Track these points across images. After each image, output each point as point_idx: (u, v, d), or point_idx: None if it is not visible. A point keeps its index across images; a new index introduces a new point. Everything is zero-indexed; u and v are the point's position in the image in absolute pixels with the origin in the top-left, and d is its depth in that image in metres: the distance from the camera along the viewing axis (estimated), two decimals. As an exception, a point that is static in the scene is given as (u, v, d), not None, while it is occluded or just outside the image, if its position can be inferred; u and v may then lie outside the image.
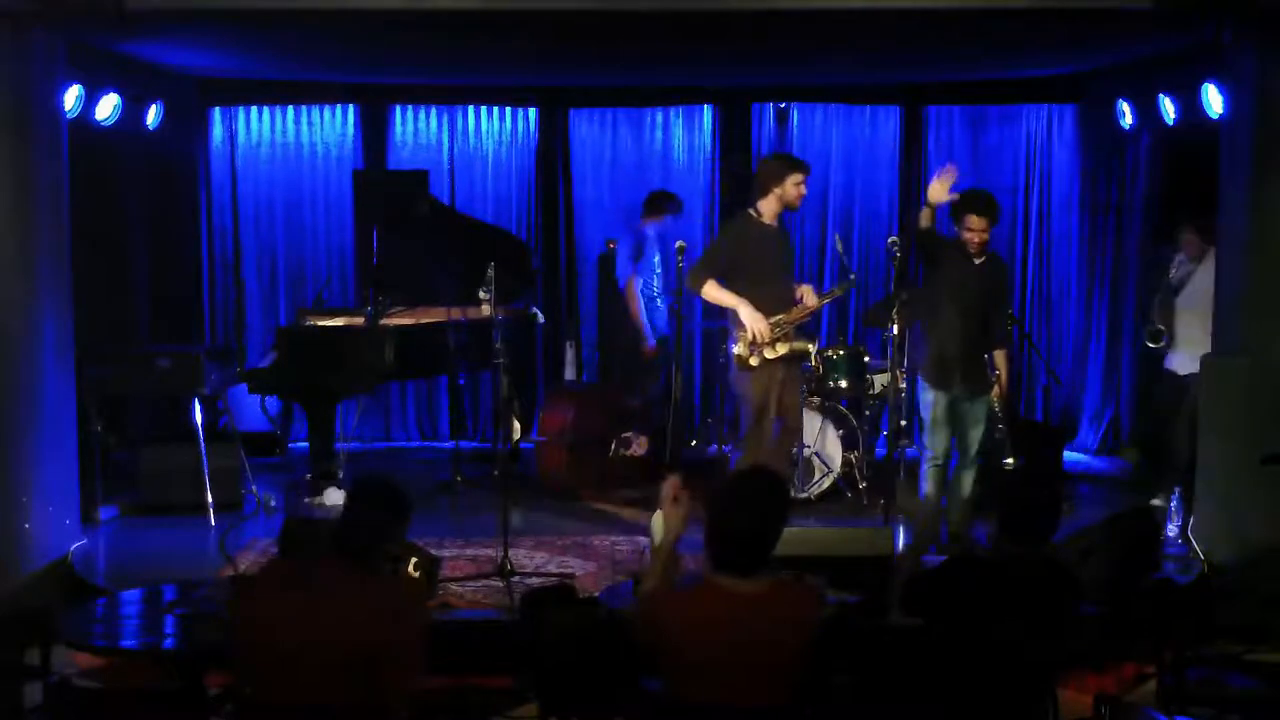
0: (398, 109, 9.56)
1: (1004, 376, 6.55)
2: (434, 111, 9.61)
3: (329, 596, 3.47)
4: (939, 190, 6.41)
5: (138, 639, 4.30)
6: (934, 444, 6.45)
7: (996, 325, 6.57)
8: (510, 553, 6.19)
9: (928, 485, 6.49)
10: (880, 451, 7.35)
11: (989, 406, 6.48)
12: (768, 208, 6.49)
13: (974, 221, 6.36)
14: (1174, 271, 7.57)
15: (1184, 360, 7.32)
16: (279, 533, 5.44)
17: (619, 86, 9.57)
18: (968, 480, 6.52)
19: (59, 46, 6.51)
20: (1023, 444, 6.84)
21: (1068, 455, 8.76)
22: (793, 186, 6.44)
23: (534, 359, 9.25)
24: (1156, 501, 7.23)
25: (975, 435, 6.49)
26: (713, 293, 6.47)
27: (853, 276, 6.89)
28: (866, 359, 7.89)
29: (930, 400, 6.46)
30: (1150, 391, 8.10)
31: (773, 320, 6.41)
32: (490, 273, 6.47)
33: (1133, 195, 8.94)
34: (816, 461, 7.66)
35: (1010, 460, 6.46)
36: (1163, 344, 7.49)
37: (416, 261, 8.19)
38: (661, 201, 8.54)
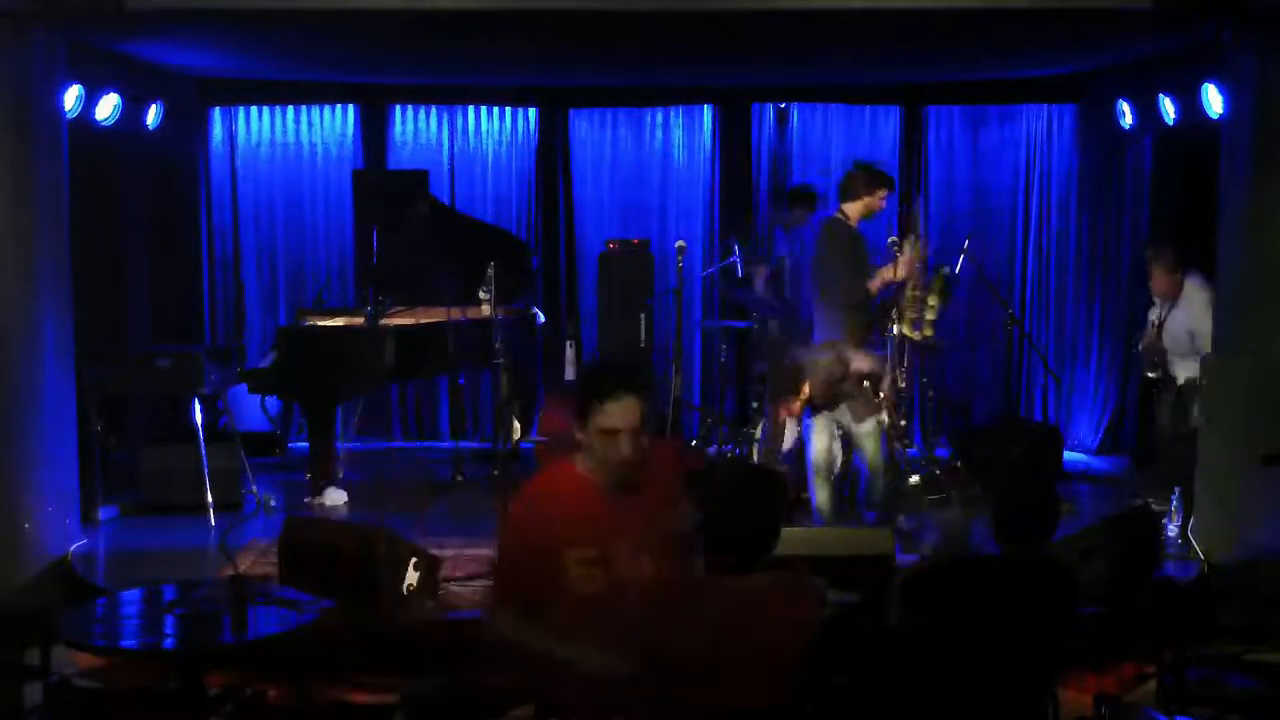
0: (398, 109, 9.56)
1: (885, 398, 6.74)
2: (434, 111, 9.61)
3: None
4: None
5: (138, 639, 4.29)
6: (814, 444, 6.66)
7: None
8: (510, 553, 6.18)
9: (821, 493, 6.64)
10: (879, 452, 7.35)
11: (880, 426, 6.66)
12: (854, 211, 6.84)
13: None
14: (1152, 314, 7.43)
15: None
16: (281, 532, 5.45)
17: (619, 86, 9.56)
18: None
19: (59, 46, 6.50)
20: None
21: (1068, 455, 8.76)
22: (879, 200, 6.86)
23: (534, 359, 9.25)
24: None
25: (867, 450, 6.65)
26: (877, 282, 6.80)
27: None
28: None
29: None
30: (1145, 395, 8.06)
31: (909, 292, 6.92)
32: (490, 273, 6.48)
33: (1133, 195, 8.94)
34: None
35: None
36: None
37: (417, 261, 8.18)
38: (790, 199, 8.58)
